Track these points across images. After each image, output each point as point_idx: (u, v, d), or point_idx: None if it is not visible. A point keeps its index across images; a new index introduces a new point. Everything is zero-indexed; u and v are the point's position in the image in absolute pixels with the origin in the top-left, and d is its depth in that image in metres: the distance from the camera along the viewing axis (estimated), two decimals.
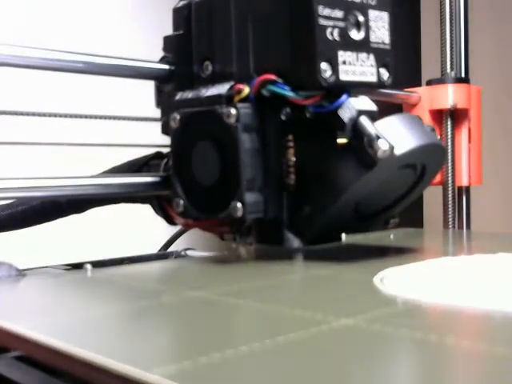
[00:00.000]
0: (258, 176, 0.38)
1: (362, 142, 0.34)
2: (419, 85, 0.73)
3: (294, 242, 0.38)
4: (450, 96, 0.68)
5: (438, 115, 0.69)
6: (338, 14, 0.35)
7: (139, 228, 1.00)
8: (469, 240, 0.54)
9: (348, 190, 0.36)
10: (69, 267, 0.44)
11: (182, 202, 0.40)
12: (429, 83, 0.70)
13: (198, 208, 0.40)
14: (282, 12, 0.36)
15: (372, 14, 0.37)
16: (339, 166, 0.36)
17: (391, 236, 0.50)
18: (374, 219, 0.41)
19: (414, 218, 1.22)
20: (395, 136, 0.35)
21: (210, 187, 0.39)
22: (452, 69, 0.70)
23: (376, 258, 0.38)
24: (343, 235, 0.46)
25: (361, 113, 0.35)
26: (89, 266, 0.36)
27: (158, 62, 0.44)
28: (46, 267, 0.44)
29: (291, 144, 0.38)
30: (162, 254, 0.54)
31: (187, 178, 0.40)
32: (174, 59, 0.43)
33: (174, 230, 0.61)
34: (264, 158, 0.38)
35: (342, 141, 0.36)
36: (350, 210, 0.38)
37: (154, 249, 0.60)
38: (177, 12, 0.43)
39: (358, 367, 0.18)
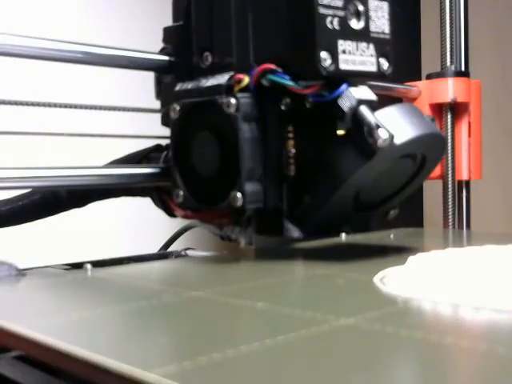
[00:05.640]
0: (257, 166, 0.38)
1: (361, 132, 0.34)
2: (419, 79, 0.73)
3: (294, 233, 0.38)
4: (449, 90, 0.68)
5: (438, 109, 0.69)
6: (338, 2, 0.35)
7: (139, 228, 1.00)
8: (470, 240, 0.54)
9: (348, 179, 0.36)
10: (69, 267, 0.44)
11: (181, 192, 0.40)
12: (429, 77, 0.70)
13: (197, 199, 0.40)
14: (281, 1, 0.36)
15: (372, 3, 0.37)
16: (339, 156, 0.36)
17: (391, 236, 0.50)
18: (374, 210, 0.41)
19: (413, 216, 1.22)
20: (395, 125, 0.35)
21: (210, 177, 0.39)
22: (452, 62, 0.70)
23: (376, 257, 0.38)
24: (343, 235, 0.46)
25: (361, 102, 0.35)
26: (89, 266, 0.36)
27: (157, 53, 0.44)
28: (46, 267, 0.44)
29: (291, 135, 0.38)
30: (162, 254, 0.54)
31: (187, 169, 0.40)
32: (174, 50, 0.43)
33: (174, 229, 0.61)
34: (264, 148, 0.38)
35: (341, 132, 0.36)
36: (350, 200, 0.38)
37: (154, 248, 0.60)
38: (176, 3, 0.43)
39: (358, 367, 0.18)
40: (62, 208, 0.51)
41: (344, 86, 0.35)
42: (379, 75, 0.37)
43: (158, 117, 0.45)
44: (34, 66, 0.67)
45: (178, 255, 0.52)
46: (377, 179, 0.38)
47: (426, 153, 0.39)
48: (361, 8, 0.36)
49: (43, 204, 0.50)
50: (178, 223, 0.57)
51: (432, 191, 0.93)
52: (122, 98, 0.89)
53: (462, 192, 0.71)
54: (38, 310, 0.28)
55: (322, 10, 0.34)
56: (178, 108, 0.40)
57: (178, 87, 0.41)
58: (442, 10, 0.70)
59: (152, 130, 0.49)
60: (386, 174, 0.38)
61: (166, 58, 0.44)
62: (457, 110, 0.69)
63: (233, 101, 0.37)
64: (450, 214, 0.70)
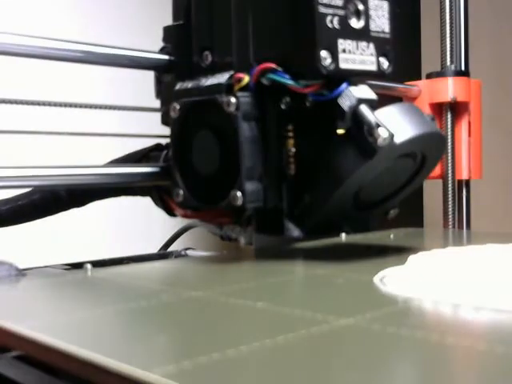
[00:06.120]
0: (257, 165, 0.38)
1: (361, 131, 0.34)
2: (419, 78, 0.73)
3: (294, 232, 0.38)
4: (449, 89, 0.68)
5: (438, 108, 0.69)
6: (338, 2, 0.35)
7: (139, 228, 1.00)
8: (470, 240, 0.54)
9: (348, 178, 0.36)
10: (69, 267, 0.44)
11: (181, 192, 0.40)
12: (429, 76, 0.70)
13: (197, 198, 0.40)
14: (281, 0, 0.36)
15: (372, 2, 0.37)
16: (339, 155, 0.36)
17: (391, 236, 0.50)
18: (374, 209, 0.41)
19: (413, 216, 1.22)
20: (395, 124, 0.35)
21: (210, 176, 0.39)
22: (452, 62, 0.70)
23: (376, 257, 0.38)
24: (343, 235, 0.46)
25: (361, 101, 0.35)
26: (89, 266, 0.36)
27: (157, 52, 0.44)
28: (46, 267, 0.44)
29: (291, 134, 0.38)
30: (162, 254, 0.54)
31: (187, 168, 0.40)
32: (174, 49, 0.43)
33: (174, 229, 0.61)
34: (264, 147, 0.38)
35: (341, 131, 0.36)
36: (350, 199, 0.38)
37: (154, 248, 0.60)
38: (177, 2, 0.43)
39: (359, 367, 0.18)
40: (61, 207, 0.51)
41: (344, 85, 0.35)
42: (379, 74, 0.37)
43: (158, 116, 0.45)
44: (34, 65, 0.67)
45: (178, 255, 0.52)
46: (377, 178, 0.38)
47: (426, 152, 0.39)
48: (361, 7, 0.36)
49: (43, 204, 0.50)
50: (177, 223, 0.56)
51: (432, 191, 0.92)
52: (122, 97, 0.89)
53: (462, 192, 0.71)
54: (38, 309, 0.28)
55: (322, 9, 0.34)
56: (178, 107, 0.40)
57: (178, 86, 0.41)
58: (442, 10, 0.70)
59: (152, 129, 0.49)
60: (386, 173, 0.38)
61: (166, 57, 0.44)
62: (457, 109, 0.69)
63: (233, 100, 0.37)
64: (450, 213, 0.70)
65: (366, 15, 0.37)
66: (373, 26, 0.37)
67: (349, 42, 0.36)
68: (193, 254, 0.52)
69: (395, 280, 0.30)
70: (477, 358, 0.19)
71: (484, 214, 0.96)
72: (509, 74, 1.19)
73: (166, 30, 0.44)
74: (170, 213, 0.47)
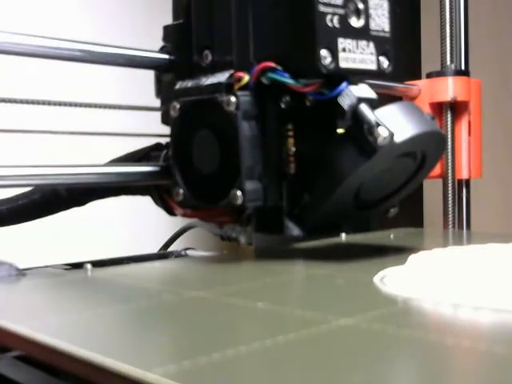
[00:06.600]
0: (257, 164, 0.38)
1: (361, 130, 0.34)
2: (419, 78, 0.73)
3: (294, 231, 0.38)
4: (449, 88, 0.68)
5: (438, 108, 0.69)
6: (338, 1, 0.35)
7: (139, 228, 1.00)
8: (470, 240, 0.54)
9: (348, 177, 0.36)
10: (69, 267, 0.44)
11: (181, 191, 0.40)
12: (429, 76, 0.70)
13: (197, 197, 0.40)
14: None
15: (372, 1, 0.37)
16: (339, 154, 0.36)
17: (391, 236, 0.50)
18: (374, 208, 0.41)
19: (414, 216, 1.22)
20: (395, 123, 0.35)
21: (210, 176, 0.39)
22: (452, 61, 0.70)
23: (376, 257, 0.38)
24: (343, 235, 0.46)
25: (361, 100, 0.35)
26: (89, 266, 0.36)
27: (157, 52, 0.44)
28: (46, 267, 0.44)
29: (291, 133, 0.38)
30: (162, 254, 0.54)
31: (187, 167, 0.40)
32: (174, 48, 0.43)
33: (174, 229, 0.61)
34: (264, 146, 0.38)
35: (341, 130, 0.36)
36: (350, 198, 0.38)
37: (154, 248, 0.60)
38: (177, 1, 0.43)
39: (358, 367, 0.18)
40: (61, 207, 0.51)
41: (344, 84, 0.35)
42: (379, 73, 0.37)
43: (157, 115, 0.45)
44: (34, 64, 0.67)
45: (178, 255, 0.52)
46: (377, 177, 0.38)
47: (426, 151, 0.39)
48: (361, 6, 0.36)
49: (43, 203, 0.50)
50: (178, 223, 0.56)
51: (432, 191, 0.93)
52: (122, 96, 0.89)
53: (462, 191, 0.71)
54: (38, 309, 0.28)
55: (322, 8, 0.34)
56: (178, 106, 0.40)
57: (178, 85, 0.41)
58: (442, 10, 0.70)
59: (152, 129, 0.49)
60: (386, 173, 0.38)
61: (165, 56, 0.44)
62: (457, 108, 0.69)
63: (233, 99, 0.37)
64: (450, 213, 0.70)
65: (366, 14, 0.37)
66: (373, 25, 0.37)
67: (349, 41, 0.36)
68: (193, 253, 0.52)
69: (395, 280, 0.30)
70: (477, 359, 0.19)
71: (484, 213, 0.96)
72: (510, 73, 1.19)
73: (166, 28, 0.44)
74: (170, 212, 0.47)
